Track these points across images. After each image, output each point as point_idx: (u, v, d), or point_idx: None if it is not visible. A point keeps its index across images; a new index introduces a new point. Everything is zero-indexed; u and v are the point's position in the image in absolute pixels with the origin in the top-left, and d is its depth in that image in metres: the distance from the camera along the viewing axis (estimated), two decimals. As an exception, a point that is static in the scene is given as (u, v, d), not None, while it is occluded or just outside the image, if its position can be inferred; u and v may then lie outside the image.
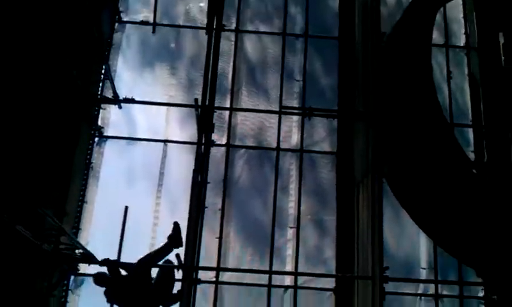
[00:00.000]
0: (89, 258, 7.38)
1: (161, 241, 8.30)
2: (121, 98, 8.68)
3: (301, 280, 8.32)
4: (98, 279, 7.01)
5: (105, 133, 8.91)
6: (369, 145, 8.07)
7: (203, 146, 8.20)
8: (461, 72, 9.63)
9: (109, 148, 8.88)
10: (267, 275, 8.20)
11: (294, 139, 9.20)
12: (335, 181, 8.90)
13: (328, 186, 8.95)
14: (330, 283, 8.33)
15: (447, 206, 6.45)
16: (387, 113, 8.00)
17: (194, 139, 8.39)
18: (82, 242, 7.67)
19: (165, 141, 9.05)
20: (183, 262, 7.34)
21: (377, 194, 7.64)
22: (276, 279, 8.31)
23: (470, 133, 9.20)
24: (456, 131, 8.70)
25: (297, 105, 9.24)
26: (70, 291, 7.93)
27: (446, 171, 6.69)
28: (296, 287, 8.25)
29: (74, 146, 8.02)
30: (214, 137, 8.54)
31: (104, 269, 7.18)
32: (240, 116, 9.31)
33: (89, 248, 7.50)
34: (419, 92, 8.03)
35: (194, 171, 7.95)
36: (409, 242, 8.60)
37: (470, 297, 8.37)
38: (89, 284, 7.97)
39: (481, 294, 8.38)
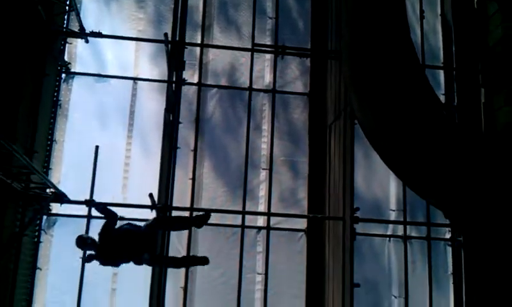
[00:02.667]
0: (61, 197, 7.25)
1: (133, 182, 8.30)
2: (87, 31, 8.30)
3: (274, 221, 8.45)
4: (80, 242, 6.67)
5: (72, 70, 8.55)
6: (342, 85, 8.03)
7: (174, 85, 8.03)
8: (434, 13, 9.56)
9: (77, 85, 8.54)
10: (240, 216, 8.29)
11: (267, 79, 9.08)
12: (307, 123, 8.90)
13: (301, 127, 8.96)
14: (302, 224, 8.51)
15: (417, 147, 6.52)
16: (359, 52, 7.88)
17: (165, 77, 8.24)
18: (53, 182, 7.50)
19: (135, 79, 8.77)
20: (156, 202, 7.32)
21: (349, 135, 7.70)
22: (250, 220, 8.41)
23: (441, 75, 9.27)
24: (427, 73, 8.67)
25: (270, 44, 9.05)
26: (43, 232, 7.84)
27: (417, 112, 6.71)
28: (268, 228, 8.38)
29: (40, 83, 7.71)
30: (186, 75, 8.35)
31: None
32: (212, 54, 9.09)
33: (60, 188, 7.35)
34: (392, 30, 7.88)
35: (166, 110, 7.82)
36: (379, 184, 8.79)
37: (437, 239, 8.70)
38: (62, 225, 7.93)
39: (448, 236, 8.76)
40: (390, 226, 8.67)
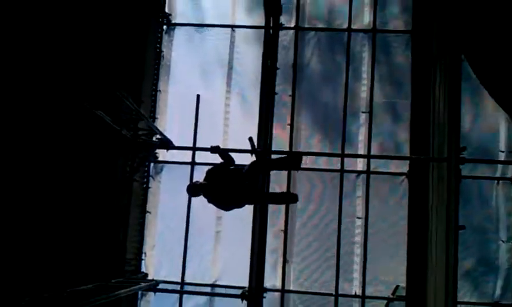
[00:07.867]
0: (167, 144, 7.60)
1: (233, 129, 8.52)
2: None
3: (374, 165, 8.30)
4: (192, 188, 6.52)
5: (173, 21, 8.85)
6: (448, 21, 7.55)
7: (271, 30, 8.01)
8: None
9: (178, 36, 8.86)
10: (339, 162, 8.23)
11: (366, 19, 8.76)
12: (410, 62, 8.48)
13: (403, 68, 8.59)
14: (404, 167, 8.27)
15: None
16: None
17: (262, 24, 8.22)
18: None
19: (233, 27, 8.90)
20: (256, 147, 7.44)
21: (456, 70, 7.27)
22: (349, 165, 8.34)
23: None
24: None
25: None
26: (151, 178, 8.33)
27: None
28: (368, 172, 8.24)
29: (145, 36, 8.08)
30: (282, 20, 8.25)
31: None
32: (308, -4, 8.93)
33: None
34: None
35: (263, 55, 7.84)
36: (487, 124, 8.27)
37: (550, 181, 8.12)
38: (168, 172, 8.39)
39: None
40: (499, 167, 8.16)
